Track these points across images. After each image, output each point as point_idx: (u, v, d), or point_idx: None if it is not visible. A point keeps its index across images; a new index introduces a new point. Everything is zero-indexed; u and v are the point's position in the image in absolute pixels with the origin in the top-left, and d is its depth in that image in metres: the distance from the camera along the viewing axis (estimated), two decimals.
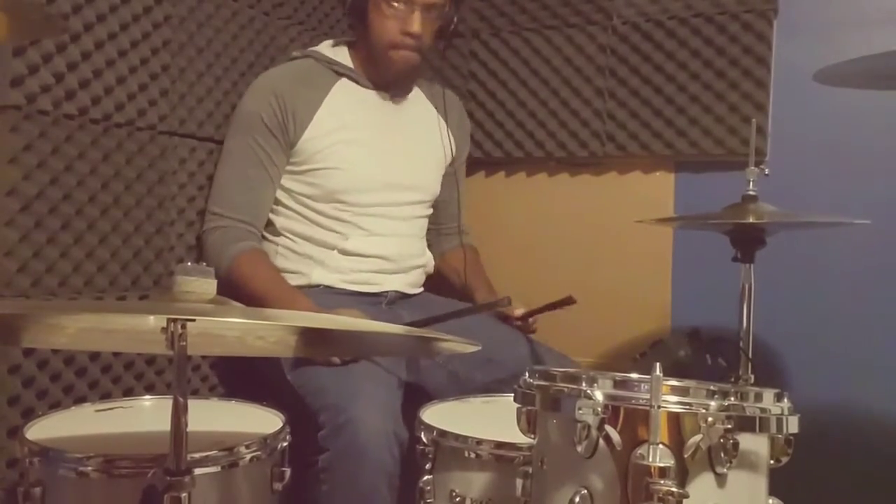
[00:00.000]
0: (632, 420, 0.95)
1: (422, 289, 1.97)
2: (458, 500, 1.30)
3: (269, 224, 1.83)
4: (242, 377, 1.80)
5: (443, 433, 1.32)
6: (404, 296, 1.90)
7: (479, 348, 1.09)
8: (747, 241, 1.54)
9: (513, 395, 1.08)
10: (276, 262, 1.81)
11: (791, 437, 0.99)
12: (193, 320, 0.92)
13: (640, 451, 0.93)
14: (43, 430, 1.24)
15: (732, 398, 0.95)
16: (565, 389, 1.00)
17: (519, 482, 1.09)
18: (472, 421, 1.39)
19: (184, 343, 0.92)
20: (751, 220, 1.47)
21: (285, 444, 1.29)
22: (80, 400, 1.49)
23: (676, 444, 0.93)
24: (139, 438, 1.27)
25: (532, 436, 1.07)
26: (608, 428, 0.95)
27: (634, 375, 0.97)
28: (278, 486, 1.27)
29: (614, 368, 1.62)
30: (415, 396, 1.60)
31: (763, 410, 0.97)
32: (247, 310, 1.09)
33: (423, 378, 1.72)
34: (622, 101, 2.12)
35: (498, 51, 2.26)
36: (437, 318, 1.66)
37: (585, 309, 1.88)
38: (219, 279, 1.00)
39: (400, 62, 1.80)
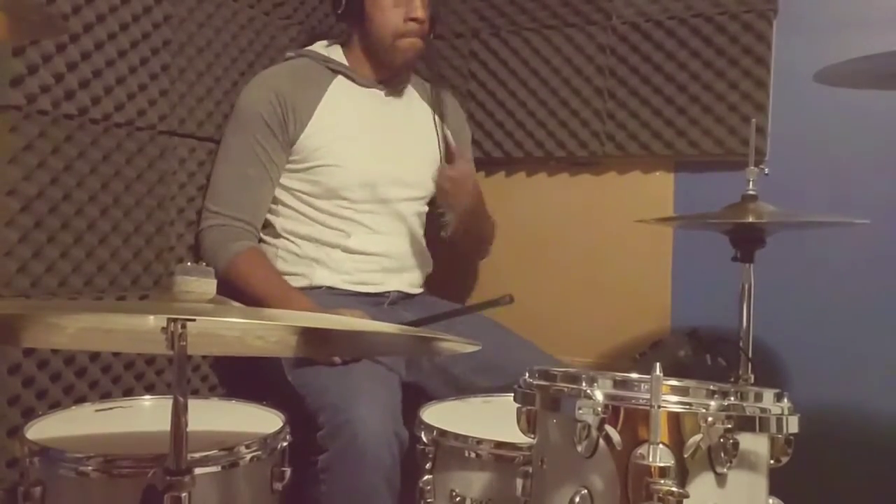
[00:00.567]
0: (632, 420, 0.95)
1: (422, 289, 1.97)
2: (458, 499, 1.30)
3: (269, 226, 1.83)
4: (242, 377, 1.80)
5: (443, 433, 1.32)
6: (406, 296, 1.90)
7: (480, 348, 1.09)
8: (747, 240, 1.54)
9: (513, 395, 1.08)
10: (277, 265, 1.81)
11: (791, 437, 0.99)
12: (193, 320, 0.92)
13: (640, 450, 0.93)
14: (43, 429, 1.24)
15: (732, 398, 0.95)
16: (565, 389, 1.00)
17: (519, 482, 1.09)
18: (472, 421, 1.39)
19: (184, 343, 0.92)
20: (750, 219, 1.46)
21: (285, 444, 1.29)
22: (80, 400, 1.49)
23: (676, 444, 0.93)
24: (139, 438, 1.27)
25: (532, 436, 1.07)
26: (608, 428, 0.95)
27: (634, 375, 0.98)
28: (278, 485, 1.27)
29: (614, 368, 1.62)
30: (415, 396, 1.60)
31: (763, 410, 0.97)
32: (247, 310, 1.10)
33: (422, 381, 1.72)
34: (622, 101, 2.11)
35: (498, 51, 2.26)
36: (437, 317, 1.66)
37: (585, 309, 1.89)
38: (216, 278, 1.00)
39: (409, 50, 1.81)
